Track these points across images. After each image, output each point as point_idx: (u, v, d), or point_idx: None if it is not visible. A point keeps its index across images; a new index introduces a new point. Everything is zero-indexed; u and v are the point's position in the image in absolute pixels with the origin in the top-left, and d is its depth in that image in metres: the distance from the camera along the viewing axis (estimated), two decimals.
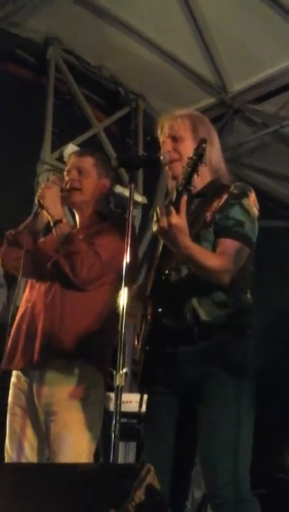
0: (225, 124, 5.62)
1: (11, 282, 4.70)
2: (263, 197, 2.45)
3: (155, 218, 2.22)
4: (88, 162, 3.05)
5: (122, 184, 5.31)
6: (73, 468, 1.81)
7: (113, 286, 2.84)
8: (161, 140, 2.57)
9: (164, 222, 2.13)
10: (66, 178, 3.04)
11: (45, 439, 2.73)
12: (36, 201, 2.90)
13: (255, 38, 4.94)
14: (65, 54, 5.33)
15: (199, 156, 2.11)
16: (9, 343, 2.86)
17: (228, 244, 2.32)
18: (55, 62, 5.28)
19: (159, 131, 2.58)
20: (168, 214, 2.12)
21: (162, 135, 2.55)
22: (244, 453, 2.23)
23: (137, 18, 4.94)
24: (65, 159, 4.89)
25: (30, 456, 2.77)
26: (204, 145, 2.12)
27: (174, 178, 2.50)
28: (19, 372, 2.84)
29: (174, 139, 2.51)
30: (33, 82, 5.37)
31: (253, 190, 2.44)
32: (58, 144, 5.09)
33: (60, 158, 4.98)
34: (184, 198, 2.12)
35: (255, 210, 2.41)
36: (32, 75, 5.39)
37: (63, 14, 4.98)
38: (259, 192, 2.48)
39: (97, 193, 3.04)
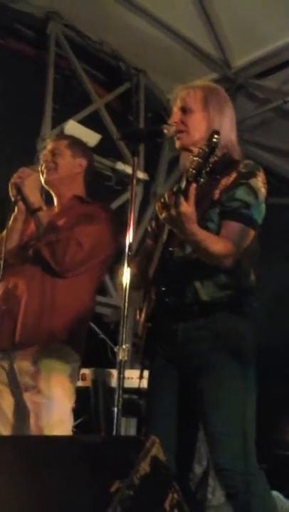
0: None
1: None
2: (265, 173, 2.42)
3: (162, 205, 2.18)
4: (62, 143, 3.06)
5: (123, 161, 5.30)
6: (77, 440, 1.81)
7: (93, 272, 2.89)
8: (172, 110, 2.54)
9: (172, 210, 2.11)
10: (42, 162, 3.05)
11: (26, 414, 2.74)
12: (13, 189, 2.86)
13: (258, 13, 4.88)
14: (66, 29, 5.28)
15: (211, 149, 2.06)
16: None
17: (233, 227, 2.30)
18: (56, 37, 5.23)
19: (172, 102, 2.55)
20: (177, 202, 2.09)
21: (174, 106, 2.52)
22: (249, 426, 2.24)
23: None
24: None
25: (16, 429, 2.79)
26: (217, 136, 2.06)
27: (181, 148, 2.48)
28: None
29: (184, 110, 2.48)
30: (33, 58, 5.33)
31: (261, 170, 2.41)
32: (59, 120, 5.05)
33: (61, 135, 4.95)
34: (193, 186, 2.08)
35: (263, 191, 2.37)
36: (32, 50, 5.34)
37: None
38: (262, 168, 2.44)
39: (73, 172, 3.03)
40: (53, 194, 3.07)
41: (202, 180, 2.09)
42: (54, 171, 2.99)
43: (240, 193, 2.32)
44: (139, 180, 5.31)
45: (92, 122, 5.13)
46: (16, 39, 5.23)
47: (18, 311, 2.76)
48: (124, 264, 2.27)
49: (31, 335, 2.73)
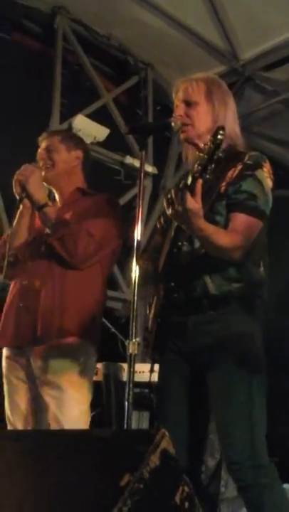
0: (235, 93, 5.52)
1: None
2: (273, 165, 2.41)
3: (169, 201, 2.18)
4: (55, 139, 3.07)
5: (132, 155, 5.29)
6: (87, 433, 1.82)
7: (104, 262, 2.90)
8: (175, 104, 2.53)
9: (179, 207, 2.10)
10: (39, 160, 3.05)
11: (41, 409, 2.77)
12: (17, 187, 2.86)
13: (267, 5, 4.85)
14: (73, 23, 5.27)
15: (216, 145, 2.05)
16: (3, 320, 2.88)
17: (241, 220, 2.29)
18: (63, 31, 5.22)
19: (174, 95, 2.54)
20: (183, 198, 2.09)
21: (176, 99, 2.51)
22: (258, 419, 2.24)
23: None
24: (74, 130, 4.89)
25: (32, 423, 2.81)
26: (222, 133, 2.05)
27: (187, 141, 2.48)
28: (14, 348, 2.86)
29: (188, 103, 2.47)
30: (41, 53, 5.32)
31: (267, 161, 2.40)
32: (67, 114, 5.05)
33: (69, 129, 4.95)
34: (200, 182, 2.08)
35: (269, 182, 2.37)
36: (39, 45, 5.33)
37: None
38: (269, 160, 2.43)
39: (70, 166, 3.04)
40: (54, 190, 3.08)
41: (208, 176, 2.08)
42: (52, 167, 3.00)
43: (247, 185, 2.31)
44: (148, 174, 5.31)
45: (100, 116, 5.13)
46: (23, 34, 5.22)
47: (37, 307, 2.77)
48: (133, 259, 2.28)
49: (49, 330, 2.74)
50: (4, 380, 2.89)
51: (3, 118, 4.62)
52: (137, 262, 2.26)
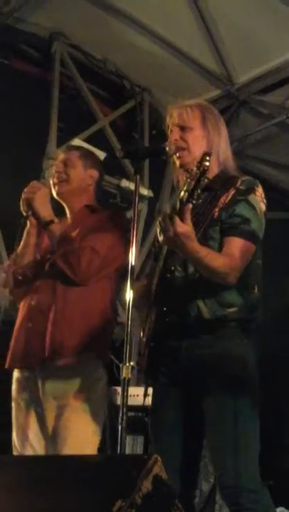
0: (231, 116, 5.59)
1: None
2: (269, 188, 2.43)
3: (160, 228, 2.21)
4: (73, 154, 3.08)
5: (128, 178, 5.32)
6: (80, 459, 1.81)
7: (112, 278, 2.89)
8: (169, 129, 2.55)
9: (170, 232, 2.12)
10: (53, 172, 3.08)
11: (50, 432, 2.74)
12: (23, 205, 2.88)
13: (261, 29, 4.90)
14: (70, 48, 5.32)
15: (202, 171, 2.08)
16: (13, 342, 2.87)
17: (235, 244, 2.31)
18: (60, 56, 5.27)
19: (167, 120, 2.57)
20: (173, 224, 2.10)
21: (171, 124, 2.54)
22: (250, 444, 2.24)
23: (141, 10, 4.92)
24: None
25: (38, 449, 2.77)
26: (208, 159, 2.09)
27: (181, 167, 2.50)
28: (23, 369, 2.85)
29: (182, 128, 2.50)
30: (38, 77, 5.36)
31: (260, 185, 2.43)
32: (64, 138, 5.07)
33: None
34: (188, 206, 2.10)
35: (262, 206, 2.40)
36: (37, 70, 5.38)
37: (68, 9, 4.96)
38: (265, 183, 2.47)
39: (84, 184, 3.05)
40: (64, 206, 3.08)
41: (194, 202, 2.11)
42: (66, 182, 3.01)
43: (240, 209, 2.34)
44: (143, 197, 5.33)
45: (97, 140, 5.16)
46: (21, 59, 5.27)
47: (46, 327, 2.76)
48: (127, 282, 2.28)
49: (59, 349, 2.73)
50: (13, 404, 2.86)
51: (0, 142, 4.65)
52: (131, 285, 2.26)
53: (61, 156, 3.11)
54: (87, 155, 3.14)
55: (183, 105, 2.55)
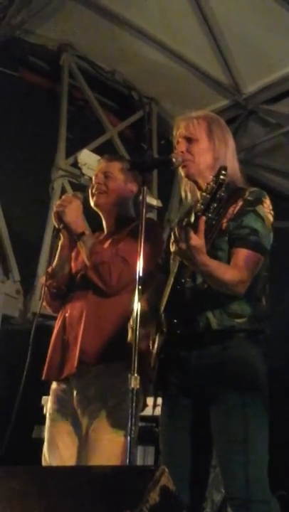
0: (239, 126, 5.60)
1: (28, 289, 4.72)
2: (277, 198, 2.43)
3: (173, 238, 2.21)
4: (115, 167, 3.06)
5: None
6: (87, 470, 1.81)
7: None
8: (175, 140, 2.56)
9: (182, 245, 2.13)
10: (93, 182, 3.07)
11: (83, 443, 2.73)
12: (55, 218, 2.89)
13: (268, 39, 4.93)
14: (79, 60, 5.36)
15: (219, 185, 2.08)
16: (49, 354, 2.87)
17: (243, 255, 2.31)
18: (69, 68, 5.31)
19: (174, 131, 2.58)
20: (186, 236, 2.11)
21: (177, 135, 2.55)
22: (259, 455, 2.22)
23: (148, 21, 4.96)
24: (79, 165, 4.94)
25: (67, 459, 2.75)
26: (224, 173, 2.08)
27: (188, 177, 2.51)
28: (60, 382, 2.84)
29: (189, 140, 2.50)
30: (47, 89, 5.41)
31: (267, 196, 2.43)
32: (73, 149, 5.10)
33: (75, 164, 5.01)
34: (203, 219, 2.11)
35: (270, 217, 2.39)
36: (46, 81, 5.42)
37: (76, 20, 5.01)
38: (274, 193, 2.47)
39: (122, 197, 3.03)
40: (101, 216, 3.07)
41: (210, 215, 2.11)
42: (105, 194, 3.00)
43: (248, 221, 2.34)
44: (152, 207, 5.34)
45: (105, 151, 5.15)
46: (30, 71, 5.32)
47: (76, 338, 2.76)
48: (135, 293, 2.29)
49: (89, 360, 2.72)
50: (48, 416, 2.85)
51: (10, 153, 4.68)
52: (139, 296, 2.27)
53: (103, 166, 3.09)
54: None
55: (189, 117, 2.56)
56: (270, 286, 2.46)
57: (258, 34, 4.91)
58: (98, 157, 4.88)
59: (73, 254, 3.02)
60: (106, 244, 2.90)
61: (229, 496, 2.23)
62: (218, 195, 2.08)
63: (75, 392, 2.76)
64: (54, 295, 2.93)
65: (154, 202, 5.32)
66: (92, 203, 3.03)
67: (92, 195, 3.03)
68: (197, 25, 4.93)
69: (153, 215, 5.40)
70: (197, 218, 2.11)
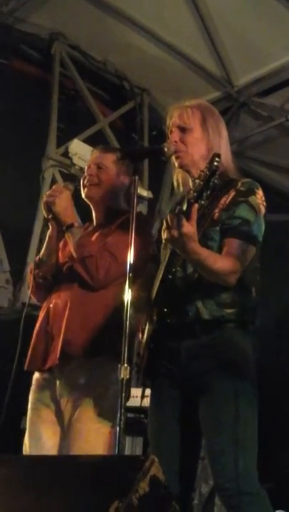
0: (230, 118, 5.59)
1: (17, 279, 4.71)
2: (268, 191, 2.42)
3: (165, 226, 2.20)
4: (109, 158, 3.03)
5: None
6: (76, 460, 1.80)
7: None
8: (168, 129, 2.54)
9: (174, 232, 2.12)
10: (85, 173, 3.05)
11: (66, 432, 2.72)
12: (45, 209, 2.87)
13: (261, 31, 4.92)
14: (70, 49, 5.33)
15: (212, 171, 2.07)
16: (32, 344, 2.86)
17: (235, 245, 2.30)
18: (60, 57, 5.28)
19: (167, 120, 2.56)
20: (179, 223, 2.10)
21: (171, 124, 2.53)
22: (248, 446, 2.22)
23: (141, 12, 4.94)
24: (70, 155, 4.92)
25: (50, 448, 2.75)
26: (218, 160, 2.07)
27: (180, 167, 2.49)
28: (44, 372, 2.83)
29: (183, 129, 2.49)
30: (38, 78, 5.37)
31: (260, 187, 2.42)
32: (63, 139, 5.09)
33: (66, 154, 4.99)
34: (195, 207, 2.10)
35: (262, 208, 2.39)
36: (37, 70, 5.39)
37: (68, 9, 4.98)
38: (265, 186, 2.46)
39: (114, 190, 3.01)
40: (92, 207, 3.06)
41: (203, 202, 2.10)
42: (97, 186, 2.98)
43: (240, 211, 2.33)
44: (143, 198, 5.33)
45: (96, 141, 5.14)
46: (21, 60, 5.28)
47: (60, 329, 2.75)
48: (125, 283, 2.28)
49: (73, 352, 2.71)
50: (30, 406, 2.84)
51: (0, 142, 4.65)
52: (130, 286, 2.26)
53: (96, 156, 3.07)
54: (122, 161, 3.04)
55: (184, 105, 2.54)
56: (261, 278, 2.46)
57: (251, 26, 4.90)
58: (89, 147, 4.89)
59: (61, 244, 2.99)
60: (94, 237, 2.88)
61: (219, 487, 2.22)
62: (211, 183, 2.07)
63: (58, 382, 2.76)
64: (40, 285, 2.91)
65: (144, 193, 5.31)
66: (83, 194, 3.01)
67: (84, 187, 3.01)
68: (190, 17, 4.92)
69: (144, 206, 5.40)
70: (190, 205, 2.10)
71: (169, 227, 2.15)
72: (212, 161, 2.07)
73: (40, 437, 2.77)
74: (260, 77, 5.38)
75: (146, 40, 5.16)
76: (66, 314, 2.76)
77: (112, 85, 5.69)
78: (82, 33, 5.24)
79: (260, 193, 2.40)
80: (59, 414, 2.76)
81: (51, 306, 2.85)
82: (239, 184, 2.39)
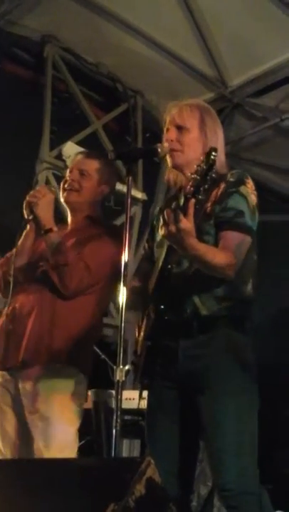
0: (224, 119, 5.57)
1: None
2: (264, 191, 2.41)
3: (162, 222, 2.19)
4: (92, 165, 3.04)
5: (122, 181, 5.29)
6: (72, 462, 1.79)
7: (99, 293, 2.88)
8: (165, 127, 2.53)
9: (172, 227, 2.11)
10: (67, 177, 3.04)
11: (28, 436, 2.73)
12: (26, 208, 2.86)
13: (254, 32, 4.90)
14: (63, 52, 5.31)
15: (209, 165, 2.06)
16: None
17: (231, 237, 2.30)
18: (53, 60, 5.25)
19: (165, 117, 2.54)
20: (176, 219, 2.09)
21: (168, 122, 2.52)
22: (249, 446, 2.21)
23: (133, 14, 4.91)
24: (63, 157, 4.90)
25: (21, 450, 2.78)
26: (214, 154, 2.07)
27: (174, 167, 2.48)
28: (4, 372, 2.83)
29: (180, 128, 2.48)
30: (31, 81, 5.35)
31: (249, 177, 2.42)
32: (57, 142, 5.07)
33: (59, 157, 4.97)
34: (192, 202, 2.09)
35: (253, 197, 2.39)
36: (29, 73, 5.37)
37: (60, 12, 4.95)
38: (260, 186, 2.46)
39: (94, 198, 3.03)
40: (68, 212, 3.06)
41: (200, 197, 2.09)
42: (77, 192, 2.98)
43: (233, 202, 2.33)
44: (138, 200, 5.31)
45: (90, 143, 5.14)
46: (13, 63, 5.25)
47: (24, 331, 2.75)
48: (120, 284, 2.27)
49: (35, 355, 2.72)
50: None
51: None
52: (125, 287, 2.25)
53: (79, 161, 3.06)
54: (104, 169, 3.06)
55: (182, 104, 2.52)
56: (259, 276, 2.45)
57: (244, 27, 4.89)
58: (83, 150, 4.88)
59: (34, 245, 2.98)
60: (70, 243, 2.87)
61: (219, 487, 2.21)
62: (208, 177, 2.06)
63: (20, 385, 2.75)
64: (8, 283, 2.87)
65: (139, 195, 5.29)
66: (62, 198, 3.01)
67: (64, 190, 3.01)
68: (183, 18, 4.90)
69: (138, 209, 5.38)
70: (187, 201, 2.09)
71: (166, 223, 2.14)
72: (209, 154, 2.06)
73: (10, 437, 2.79)
74: (253, 78, 5.36)
75: (139, 42, 5.13)
76: (32, 319, 2.77)
77: (105, 87, 5.67)
78: (75, 35, 5.21)
79: (250, 182, 2.40)
80: (22, 415, 2.76)
81: (17, 306, 2.83)
82: (228, 176, 2.39)
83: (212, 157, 2.05)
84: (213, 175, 2.09)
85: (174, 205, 2.16)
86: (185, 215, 2.09)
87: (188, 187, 2.10)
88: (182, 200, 2.13)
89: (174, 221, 2.09)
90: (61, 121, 5.24)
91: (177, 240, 2.14)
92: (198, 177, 2.07)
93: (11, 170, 4.78)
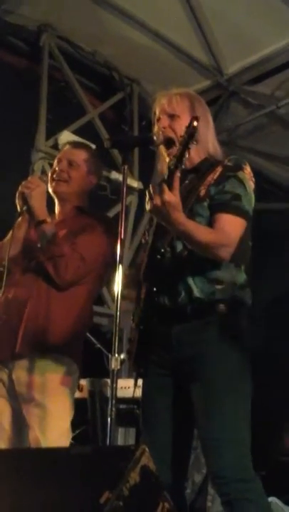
0: (221, 107, 5.57)
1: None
2: (259, 179, 2.41)
3: (148, 197, 2.19)
4: (81, 156, 3.04)
5: (118, 170, 5.29)
6: (67, 451, 1.80)
7: (91, 284, 2.89)
8: (156, 117, 2.53)
9: (156, 200, 2.11)
10: (55, 167, 3.04)
11: (25, 426, 2.74)
12: (19, 199, 2.85)
13: (250, 19, 4.88)
14: (59, 40, 5.29)
15: (190, 134, 2.08)
16: None
17: (226, 219, 2.30)
18: (49, 48, 5.24)
19: (154, 107, 2.55)
20: (161, 191, 2.09)
21: (158, 111, 2.52)
22: (242, 433, 2.22)
23: (130, 2, 4.89)
24: (59, 147, 4.88)
25: (14, 441, 2.79)
26: (195, 123, 2.08)
27: (169, 155, 2.48)
28: None
29: (171, 116, 2.48)
30: (27, 70, 5.33)
31: (247, 163, 2.42)
32: (53, 131, 5.05)
33: (55, 146, 4.95)
34: (177, 174, 2.09)
35: (251, 183, 2.39)
36: (25, 62, 5.35)
37: (56, 1, 4.93)
38: (256, 174, 2.45)
39: (82, 188, 3.04)
40: (56, 202, 3.06)
41: (184, 167, 2.11)
42: (65, 183, 2.99)
43: (230, 186, 2.33)
44: (134, 189, 5.31)
45: (86, 132, 5.13)
46: (9, 52, 5.23)
47: (20, 322, 2.76)
48: (116, 273, 2.27)
49: (30, 345, 2.73)
50: None
51: None
52: (120, 278, 2.25)
53: (67, 151, 3.07)
54: (92, 159, 3.08)
55: (171, 93, 2.53)
56: (253, 263, 2.45)
57: (240, 14, 4.87)
58: (79, 138, 4.87)
59: (26, 235, 2.97)
60: (61, 233, 2.87)
61: (212, 474, 2.23)
62: (189, 145, 2.08)
63: (14, 375, 2.76)
64: (1, 273, 2.87)
65: (134, 184, 5.29)
66: (50, 189, 3.00)
67: (52, 181, 3.01)
68: (179, 6, 4.88)
69: (134, 198, 5.38)
70: (171, 173, 2.09)
71: (151, 198, 2.14)
72: (190, 123, 2.09)
73: (4, 428, 2.79)
74: (249, 65, 5.35)
75: (135, 30, 5.11)
76: (28, 308, 2.77)
77: (101, 76, 5.65)
78: (71, 24, 5.19)
79: (248, 168, 2.40)
80: (16, 405, 2.77)
81: (10, 296, 2.83)
82: (226, 160, 2.40)
83: (193, 125, 2.07)
84: (195, 142, 2.09)
85: (159, 179, 2.17)
86: (170, 188, 2.09)
87: (172, 158, 2.12)
88: (167, 174, 2.13)
89: (158, 193, 2.09)
90: (57, 110, 5.22)
91: (163, 214, 2.14)
92: (180, 147, 2.09)
93: (6, 159, 4.76)
